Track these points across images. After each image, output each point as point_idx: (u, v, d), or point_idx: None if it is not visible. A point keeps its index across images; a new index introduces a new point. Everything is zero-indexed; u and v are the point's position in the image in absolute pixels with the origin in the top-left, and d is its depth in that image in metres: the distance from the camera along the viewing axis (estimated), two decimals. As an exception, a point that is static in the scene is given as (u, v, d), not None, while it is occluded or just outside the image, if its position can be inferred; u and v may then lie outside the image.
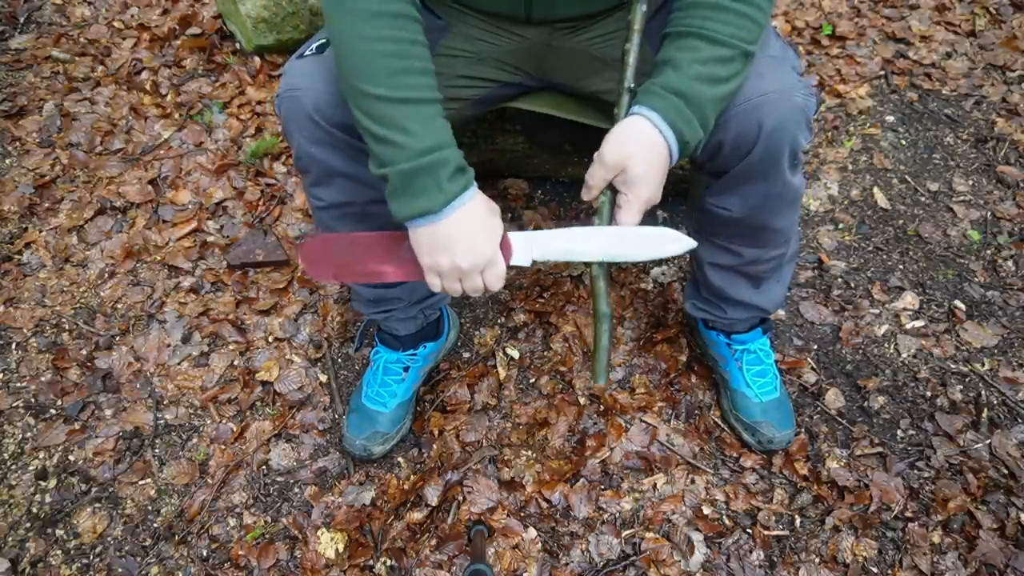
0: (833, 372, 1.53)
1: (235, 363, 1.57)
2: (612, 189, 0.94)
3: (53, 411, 1.50)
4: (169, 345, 1.60)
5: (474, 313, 1.65)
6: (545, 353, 1.57)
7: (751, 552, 1.29)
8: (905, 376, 1.51)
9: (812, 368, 1.53)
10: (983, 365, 1.52)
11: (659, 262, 1.73)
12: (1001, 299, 1.63)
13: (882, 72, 2.15)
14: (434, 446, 1.43)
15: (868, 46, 2.23)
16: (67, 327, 1.63)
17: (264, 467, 1.43)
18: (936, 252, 1.72)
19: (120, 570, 1.30)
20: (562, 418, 1.46)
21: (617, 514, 1.34)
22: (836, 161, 1.92)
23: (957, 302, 1.62)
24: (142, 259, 1.75)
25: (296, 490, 1.40)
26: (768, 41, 0.99)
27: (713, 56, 0.87)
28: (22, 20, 2.34)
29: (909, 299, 1.63)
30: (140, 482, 1.41)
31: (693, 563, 1.27)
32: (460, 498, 1.36)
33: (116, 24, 2.34)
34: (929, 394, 1.48)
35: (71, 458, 1.43)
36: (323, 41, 1.02)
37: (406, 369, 1.42)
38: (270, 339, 1.61)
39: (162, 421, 1.49)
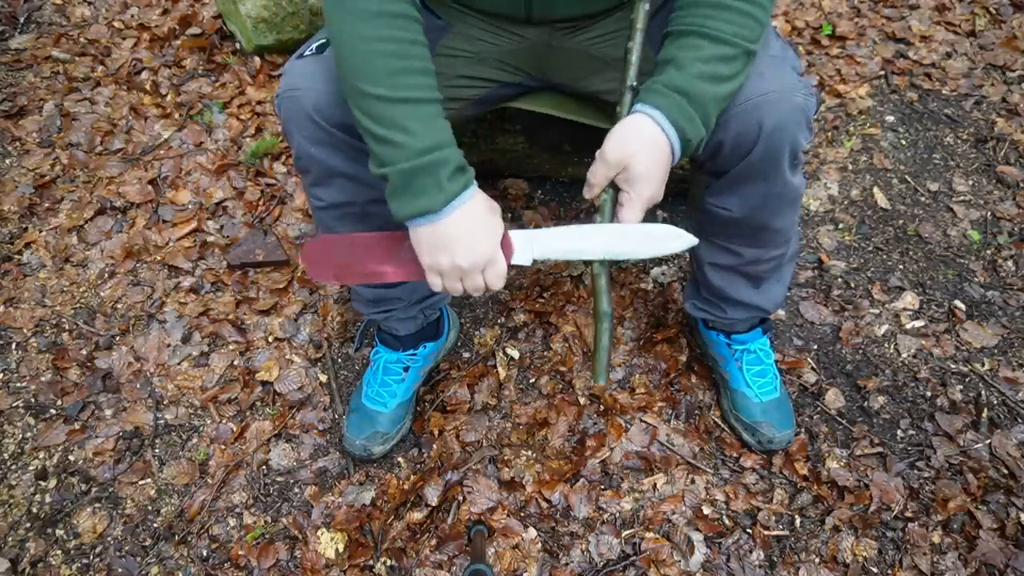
0: (833, 372, 1.53)
1: (235, 363, 1.57)
2: (614, 187, 0.94)
3: (53, 411, 1.50)
4: (169, 345, 1.60)
5: (474, 313, 1.65)
6: (545, 353, 1.57)
7: (751, 552, 1.29)
8: (905, 376, 1.51)
9: (812, 368, 1.53)
10: (983, 365, 1.52)
11: (659, 262, 1.73)
12: (1001, 299, 1.63)
13: (882, 72, 2.15)
14: (434, 446, 1.43)
15: (868, 46, 2.23)
16: (67, 327, 1.63)
17: (264, 467, 1.43)
18: (936, 252, 1.72)
19: (120, 570, 1.30)
20: (562, 418, 1.46)
21: (617, 514, 1.34)
22: (836, 161, 1.92)
23: (957, 302, 1.62)
24: (142, 259, 1.75)
25: (296, 490, 1.40)
26: (768, 41, 0.99)
27: (715, 55, 0.87)
28: (22, 20, 2.34)
29: (909, 299, 1.63)
30: (140, 482, 1.41)
31: (693, 563, 1.27)
32: (460, 498, 1.36)
33: (116, 24, 2.34)
34: (929, 394, 1.48)
35: (71, 458, 1.43)
36: (323, 41, 1.02)
37: (406, 369, 1.42)
38: (270, 339, 1.61)
39: (162, 421, 1.49)
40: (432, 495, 1.36)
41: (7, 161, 1.95)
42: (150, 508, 1.38)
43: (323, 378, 1.55)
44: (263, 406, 1.51)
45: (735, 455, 1.40)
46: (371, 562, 1.29)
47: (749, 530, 1.31)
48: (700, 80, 0.87)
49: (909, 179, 1.88)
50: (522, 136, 1.67)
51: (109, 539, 1.34)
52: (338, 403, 1.51)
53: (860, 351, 1.55)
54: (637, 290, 1.67)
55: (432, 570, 1.28)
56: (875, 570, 1.26)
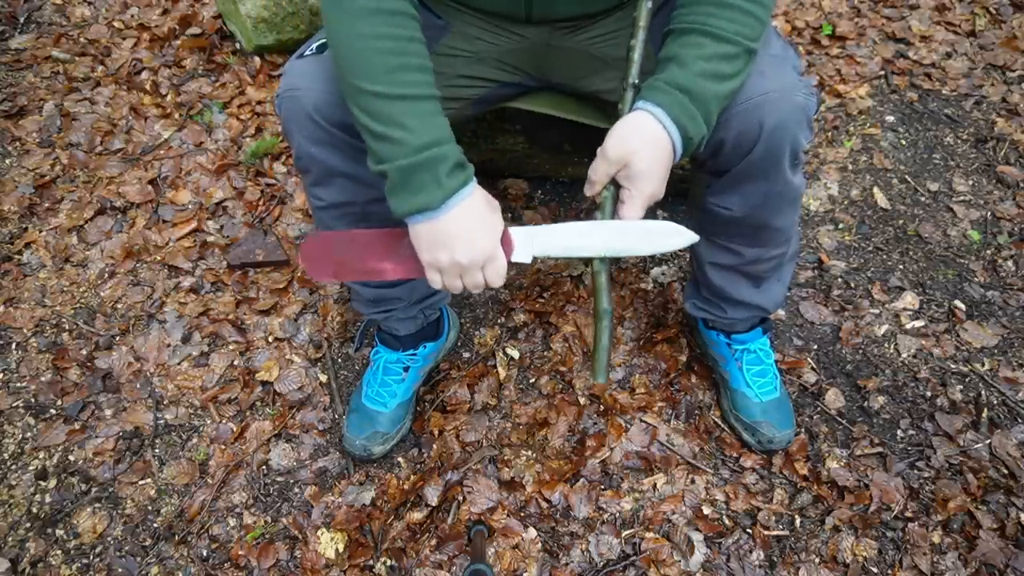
0: (833, 372, 1.53)
1: (235, 363, 1.57)
2: (615, 184, 0.94)
3: (53, 411, 1.50)
4: (169, 345, 1.60)
5: (474, 313, 1.65)
6: (545, 353, 1.57)
7: (751, 552, 1.29)
8: (905, 376, 1.51)
9: (812, 368, 1.53)
10: (983, 365, 1.52)
11: (659, 262, 1.73)
12: (1001, 299, 1.63)
13: (882, 72, 2.15)
14: (434, 446, 1.43)
15: (868, 46, 2.23)
16: (67, 327, 1.63)
17: (264, 467, 1.43)
18: (936, 252, 1.72)
19: (120, 570, 1.30)
20: (562, 418, 1.45)
21: (617, 514, 1.34)
22: (836, 161, 1.92)
23: (957, 302, 1.62)
24: (142, 259, 1.75)
25: (296, 490, 1.40)
26: (769, 40, 0.99)
27: (717, 53, 0.87)
28: (22, 20, 2.34)
29: (909, 299, 1.63)
30: (140, 482, 1.41)
31: (693, 563, 1.27)
32: (460, 498, 1.36)
33: (116, 24, 2.34)
34: (929, 394, 1.48)
35: (71, 458, 1.43)
36: (323, 41, 1.02)
37: (406, 369, 1.42)
38: (270, 339, 1.61)
39: (162, 421, 1.49)
40: (432, 495, 1.36)
41: (7, 161, 1.95)
42: (150, 508, 1.38)
43: (323, 378, 1.55)
44: (263, 406, 1.51)
45: (735, 455, 1.40)
46: (371, 562, 1.29)
47: (749, 530, 1.31)
48: (702, 78, 0.87)
49: (909, 179, 1.88)
50: (522, 136, 1.67)
51: (109, 539, 1.34)
52: (338, 403, 1.51)
53: (860, 351, 1.55)
54: (637, 290, 1.67)
55: (432, 570, 1.28)
56: (875, 570, 1.26)
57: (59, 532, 1.34)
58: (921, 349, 1.55)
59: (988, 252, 1.72)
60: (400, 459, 1.43)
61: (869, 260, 1.72)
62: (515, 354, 1.57)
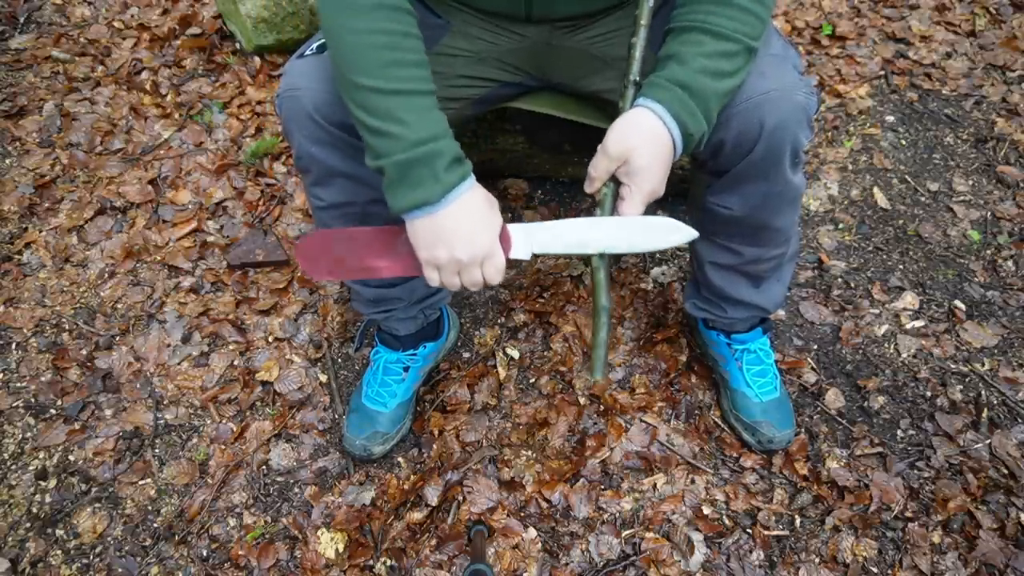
0: (833, 372, 1.53)
1: (235, 363, 1.57)
2: (615, 181, 0.94)
3: (53, 411, 1.50)
4: (169, 345, 1.60)
5: (474, 313, 1.65)
6: (545, 353, 1.57)
7: (751, 552, 1.29)
8: (905, 376, 1.51)
9: (812, 368, 1.53)
10: (983, 365, 1.52)
11: (659, 262, 1.73)
12: (1001, 299, 1.63)
13: (882, 72, 2.15)
14: (434, 446, 1.43)
15: (868, 46, 2.23)
16: (67, 327, 1.63)
17: (264, 467, 1.43)
18: (936, 252, 1.72)
19: (120, 570, 1.30)
20: (562, 418, 1.45)
21: (617, 514, 1.34)
22: (836, 161, 1.92)
23: (957, 302, 1.62)
24: (142, 259, 1.75)
25: (296, 490, 1.40)
26: (770, 40, 0.99)
27: (717, 50, 0.87)
28: (22, 20, 2.34)
29: (909, 299, 1.63)
30: (140, 482, 1.41)
31: (693, 563, 1.27)
32: (460, 498, 1.36)
33: (116, 24, 2.34)
34: (929, 394, 1.48)
35: (71, 458, 1.43)
36: (323, 41, 1.02)
37: (406, 369, 1.42)
38: (270, 339, 1.61)
39: (162, 421, 1.49)
40: (432, 495, 1.36)
41: (7, 161, 1.95)
42: (150, 508, 1.38)
43: (323, 378, 1.55)
44: (263, 406, 1.51)
45: (735, 455, 1.40)
46: (371, 562, 1.29)
47: (749, 530, 1.31)
48: (702, 75, 0.87)
49: (909, 179, 1.88)
50: (522, 136, 1.67)
51: (109, 539, 1.34)
52: (338, 403, 1.51)
53: (860, 351, 1.55)
54: (637, 290, 1.67)
55: (432, 570, 1.28)
56: (875, 570, 1.26)
57: (59, 532, 1.34)
58: (921, 349, 1.55)
59: (988, 252, 1.72)
60: (400, 459, 1.43)
61: (869, 260, 1.72)
62: (515, 354, 1.57)
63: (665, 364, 1.53)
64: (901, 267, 1.70)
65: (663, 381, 1.51)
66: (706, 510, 1.33)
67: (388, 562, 1.29)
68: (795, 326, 1.60)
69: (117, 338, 1.61)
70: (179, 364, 1.57)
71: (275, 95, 1.03)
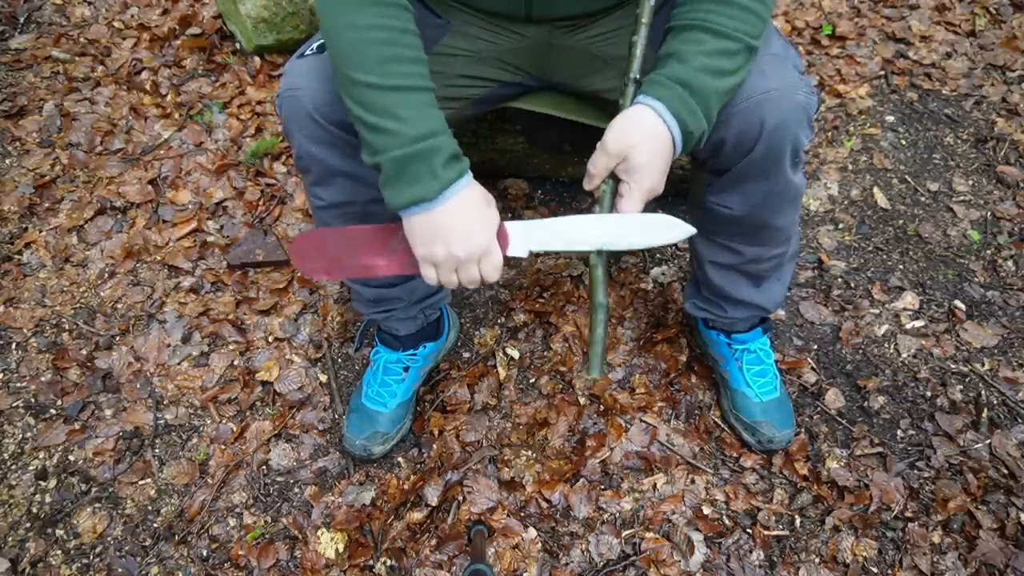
0: (833, 372, 1.53)
1: (235, 363, 1.57)
2: (614, 178, 0.93)
3: (53, 411, 1.50)
4: (169, 345, 1.60)
5: (474, 313, 1.65)
6: (545, 353, 1.57)
7: (751, 552, 1.29)
8: (905, 376, 1.51)
9: (812, 368, 1.53)
10: (983, 365, 1.52)
11: (659, 262, 1.73)
12: (1001, 299, 1.63)
13: (882, 72, 2.15)
14: (434, 446, 1.43)
15: (868, 46, 2.23)
16: (67, 327, 1.63)
17: (264, 467, 1.42)
18: (936, 252, 1.72)
19: (120, 570, 1.30)
20: (562, 418, 1.45)
21: (617, 514, 1.34)
22: (836, 161, 1.92)
23: (957, 302, 1.62)
24: (142, 259, 1.75)
25: (296, 490, 1.40)
26: (770, 39, 0.99)
27: (718, 49, 0.87)
28: (22, 20, 2.34)
29: (909, 299, 1.63)
30: (140, 482, 1.41)
31: (693, 563, 1.27)
32: (460, 498, 1.36)
33: (116, 24, 2.34)
34: (929, 394, 1.48)
35: (71, 458, 1.43)
36: (323, 41, 1.02)
37: (406, 369, 1.42)
38: (270, 339, 1.61)
39: (162, 421, 1.49)
40: (432, 495, 1.35)
41: (7, 161, 1.95)
42: (150, 508, 1.38)
43: (323, 378, 1.55)
44: (263, 406, 1.51)
45: (735, 455, 1.40)
46: (371, 562, 1.29)
47: (749, 530, 1.31)
48: (702, 73, 0.87)
49: (909, 179, 1.88)
50: (522, 136, 1.67)
51: (109, 539, 1.34)
52: (338, 403, 1.51)
53: (860, 351, 1.55)
54: (637, 290, 1.67)
55: (432, 570, 1.28)
56: (875, 570, 1.26)
57: (59, 532, 1.34)
58: (921, 349, 1.55)
59: (988, 252, 1.72)
60: (400, 459, 1.43)
61: (869, 260, 1.72)
62: (515, 354, 1.57)
63: (665, 364, 1.53)
64: (901, 267, 1.70)
65: (663, 381, 1.51)
66: (706, 510, 1.33)
67: (388, 562, 1.29)
68: (795, 326, 1.60)
69: (117, 338, 1.61)
70: (179, 364, 1.57)
71: (275, 95, 1.03)
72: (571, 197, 1.86)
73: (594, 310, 0.97)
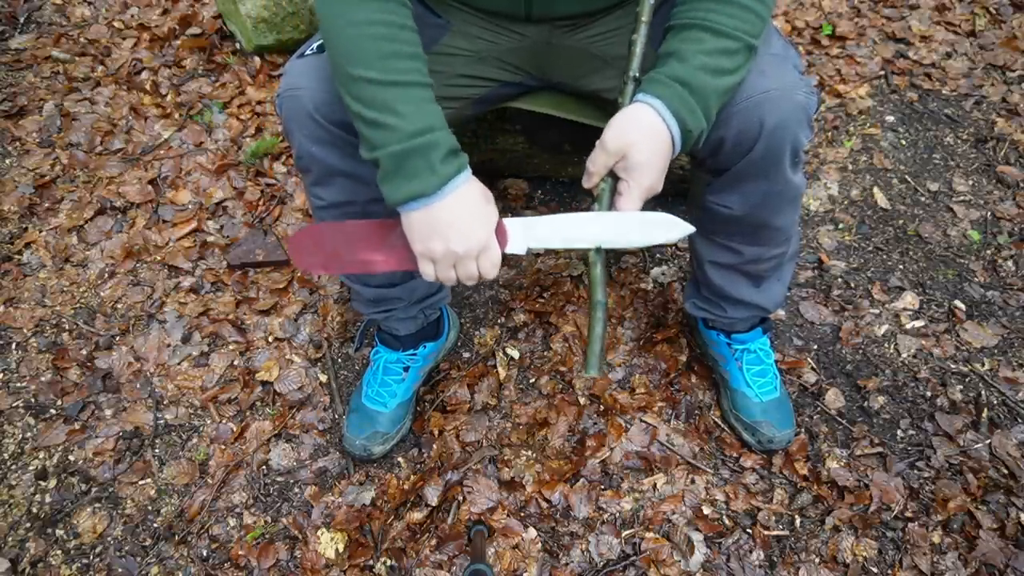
0: (833, 372, 1.53)
1: (235, 363, 1.57)
2: (613, 176, 0.93)
3: (53, 411, 1.50)
4: (169, 345, 1.60)
5: (474, 313, 1.65)
6: (545, 353, 1.57)
7: (751, 552, 1.29)
8: (905, 376, 1.51)
9: (812, 368, 1.53)
10: (983, 365, 1.52)
11: (659, 262, 1.73)
12: (1001, 299, 1.63)
13: (882, 72, 2.15)
14: (434, 446, 1.43)
15: (868, 46, 2.23)
16: (67, 327, 1.63)
17: (264, 467, 1.42)
18: (936, 252, 1.72)
19: (120, 570, 1.30)
20: (562, 418, 1.45)
21: (617, 514, 1.34)
22: (836, 161, 1.92)
23: (957, 302, 1.62)
24: (142, 259, 1.75)
25: (296, 490, 1.40)
26: (770, 39, 0.99)
27: (717, 48, 0.87)
28: (22, 20, 2.34)
29: (909, 299, 1.63)
30: (140, 482, 1.41)
31: (693, 563, 1.27)
32: (460, 498, 1.36)
33: (116, 24, 2.34)
34: (929, 394, 1.48)
35: (71, 458, 1.43)
36: (323, 38, 1.02)
37: (406, 369, 1.42)
38: (270, 339, 1.61)
39: (162, 421, 1.49)
40: (432, 495, 1.35)
41: (7, 161, 1.95)
42: (150, 508, 1.38)
43: (323, 378, 1.55)
44: (263, 406, 1.51)
45: (735, 455, 1.40)
46: (371, 562, 1.29)
47: (749, 530, 1.31)
48: (702, 72, 0.87)
49: (909, 179, 1.88)
50: (522, 136, 1.67)
51: (109, 539, 1.34)
52: (338, 403, 1.51)
53: (860, 351, 1.55)
54: (637, 290, 1.67)
55: (432, 570, 1.28)
56: (875, 570, 1.26)
57: (59, 532, 1.34)
58: (921, 349, 1.55)
59: (988, 252, 1.72)
60: (400, 459, 1.43)
61: (869, 260, 1.72)
62: (515, 354, 1.57)
63: (665, 364, 1.53)
64: (901, 267, 1.70)
65: (663, 381, 1.51)
66: (706, 510, 1.33)
67: (388, 562, 1.29)
68: (795, 326, 1.60)
69: (117, 338, 1.61)
70: (179, 364, 1.57)
71: (275, 95, 1.03)
72: (571, 197, 1.86)
73: (593, 308, 0.96)
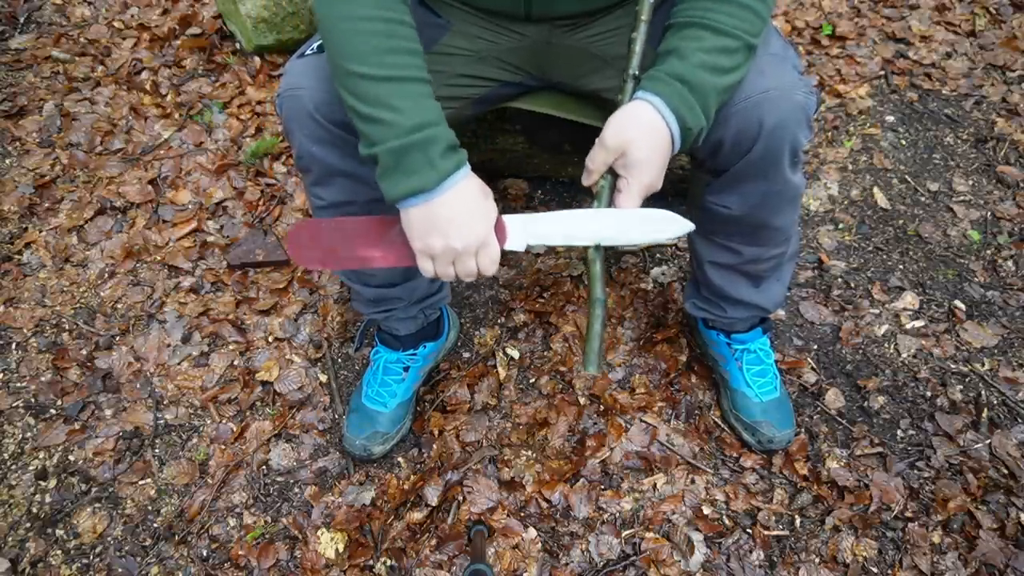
0: (833, 372, 1.53)
1: (235, 363, 1.57)
2: (612, 174, 0.93)
3: (53, 411, 1.50)
4: (169, 345, 1.60)
5: (474, 313, 1.65)
6: (545, 353, 1.57)
7: (751, 552, 1.29)
8: (905, 376, 1.51)
9: (812, 368, 1.53)
10: (983, 365, 1.52)
11: (659, 262, 1.73)
12: (1001, 299, 1.63)
13: (882, 72, 2.15)
14: (434, 446, 1.43)
15: (868, 46, 2.23)
16: (67, 327, 1.63)
17: (264, 467, 1.42)
18: (936, 252, 1.72)
19: (120, 570, 1.30)
20: (562, 418, 1.45)
21: (617, 514, 1.34)
22: (836, 161, 1.92)
23: (957, 302, 1.62)
24: (142, 259, 1.75)
25: (296, 490, 1.40)
26: (769, 39, 0.99)
27: (717, 46, 0.87)
28: (22, 20, 2.34)
29: (909, 299, 1.63)
30: (140, 482, 1.41)
31: (693, 563, 1.27)
32: (460, 498, 1.36)
33: (116, 24, 2.34)
34: (929, 394, 1.48)
35: (71, 458, 1.43)
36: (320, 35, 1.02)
37: (406, 369, 1.42)
38: (270, 339, 1.61)
39: (162, 421, 1.49)
40: (432, 495, 1.35)
41: (7, 161, 1.95)
42: (150, 508, 1.38)
43: (323, 378, 1.55)
44: (263, 406, 1.51)
45: (735, 455, 1.40)
46: (371, 562, 1.29)
47: (749, 530, 1.31)
48: (701, 69, 0.87)
49: (909, 179, 1.88)
50: (522, 136, 1.67)
51: (109, 539, 1.34)
52: (338, 403, 1.51)
53: (860, 351, 1.55)
54: (637, 290, 1.67)
55: (432, 570, 1.28)
56: (875, 570, 1.26)
57: (59, 532, 1.34)
58: (921, 349, 1.55)
59: (988, 252, 1.72)
60: (400, 459, 1.43)
61: (869, 260, 1.72)
62: (515, 354, 1.57)
63: (665, 364, 1.53)
64: (901, 267, 1.70)
65: (663, 381, 1.51)
66: (706, 510, 1.33)
67: (388, 562, 1.29)
68: (795, 326, 1.60)
69: (117, 338, 1.61)
70: (179, 364, 1.57)
71: (275, 95, 1.03)
72: (571, 197, 1.86)
73: (592, 305, 0.96)
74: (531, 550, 1.29)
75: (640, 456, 1.40)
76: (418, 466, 1.42)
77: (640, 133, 0.88)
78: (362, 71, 0.84)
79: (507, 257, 1.72)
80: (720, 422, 1.45)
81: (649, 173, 0.90)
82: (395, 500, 1.36)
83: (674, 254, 1.75)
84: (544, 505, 1.35)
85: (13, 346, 1.60)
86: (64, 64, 2.20)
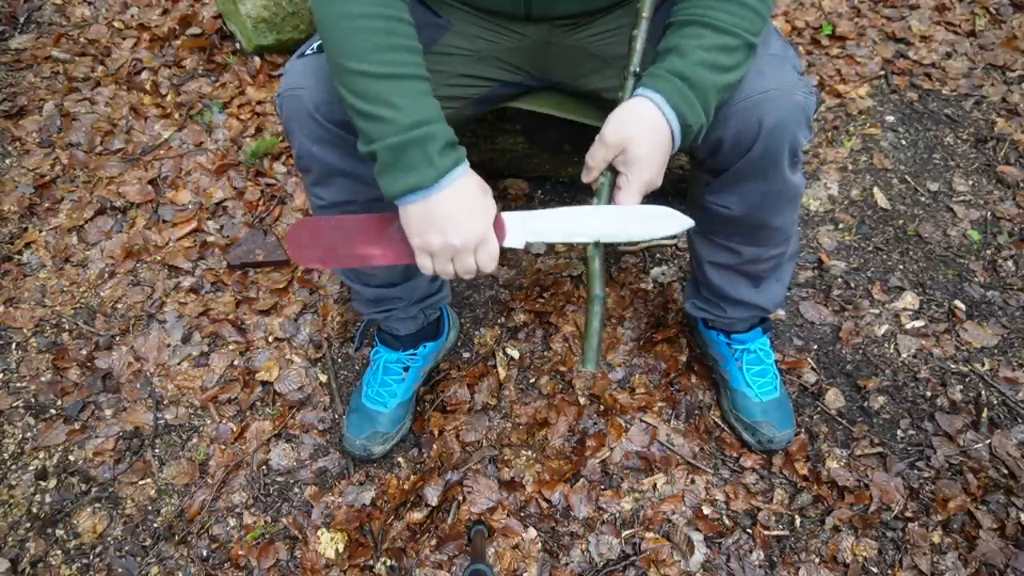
0: (833, 372, 1.53)
1: (235, 363, 1.57)
2: (612, 170, 0.93)
3: (53, 411, 1.50)
4: (169, 345, 1.60)
5: (474, 313, 1.65)
6: (545, 353, 1.57)
7: (751, 552, 1.29)
8: (905, 376, 1.51)
9: (812, 368, 1.53)
10: (983, 365, 1.52)
11: (659, 262, 1.73)
12: (1001, 299, 1.63)
13: (882, 72, 2.15)
14: (434, 446, 1.43)
15: (868, 46, 2.23)
16: (67, 327, 1.63)
17: (264, 467, 1.42)
18: (936, 252, 1.72)
19: (120, 570, 1.30)
20: (562, 418, 1.45)
21: (617, 514, 1.34)
22: (836, 161, 1.92)
23: (957, 302, 1.62)
24: (142, 259, 1.75)
25: (296, 490, 1.40)
26: (769, 39, 0.99)
27: (717, 44, 0.87)
28: (22, 20, 2.34)
29: (909, 299, 1.63)
30: (140, 482, 1.41)
31: (693, 563, 1.27)
32: (460, 498, 1.36)
33: (116, 24, 2.34)
34: (929, 394, 1.48)
35: (71, 458, 1.43)
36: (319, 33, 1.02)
37: (406, 369, 1.42)
38: (270, 339, 1.61)
39: (162, 421, 1.49)
40: (432, 495, 1.35)
41: (7, 161, 1.95)
42: (150, 508, 1.38)
43: (323, 378, 1.55)
44: (263, 406, 1.51)
45: (735, 455, 1.40)
46: (371, 562, 1.29)
47: (749, 530, 1.31)
48: (701, 67, 0.87)
49: (909, 179, 1.88)
50: (522, 136, 1.67)
51: (109, 539, 1.34)
52: (338, 403, 1.51)
53: (860, 351, 1.55)
54: (637, 290, 1.67)
55: (432, 570, 1.28)
56: (875, 570, 1.26)
57: (59, 532, 1.34)
58: (921, 349, 1.55)
59: (988, 252, 1.72)
60: (400, 459, 1.43)
61: (869, 260, 1.72)
62: (515, 354, 1.57)
63: (665, 364, 1.53)
64: (901, 267, 1.70)
65: (663, 381, 1.51)
66: (706, 510, 1.33)
67: (388, 562, 1.29)
68: (795, 326, 1.60)
69: (117, 338, 1.61)
70: (179, 364, 1.57)
71: (276, 94, 1.03)
72: (571, 197, 1.86)
73: (591, 302, 0.96)
74: (531, 550, 1.29)
75: (640, 456, 1.40)
76: (418, 466, 1.42)
77: (640, 130, 0.88)
78: (361, 68, 0.84)
79: (507, 257, 1.72)
80: (720, 422, 1.45)
81: (649, 170, 0.90)
82: (395, 500, 1.36)
83: (674, 254, 1.75)
84: (544, 505, 1.35)
85: (13, 346, 1.60)
86: (64, 64, 2.20)
